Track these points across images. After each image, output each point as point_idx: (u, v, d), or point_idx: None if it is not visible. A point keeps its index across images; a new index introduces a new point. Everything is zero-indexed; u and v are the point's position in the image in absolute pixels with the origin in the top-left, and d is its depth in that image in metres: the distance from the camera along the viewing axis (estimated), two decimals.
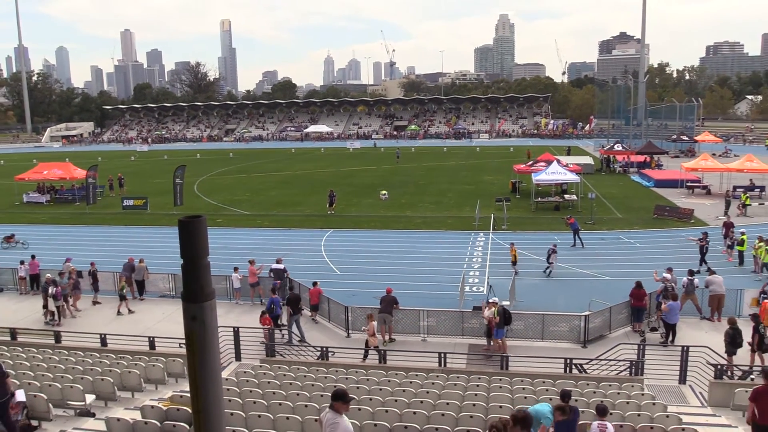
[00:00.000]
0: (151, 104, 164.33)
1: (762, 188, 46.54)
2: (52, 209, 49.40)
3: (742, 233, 28.48)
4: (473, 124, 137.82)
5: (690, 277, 21.74)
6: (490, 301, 19.73)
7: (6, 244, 35.03)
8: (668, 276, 21.61)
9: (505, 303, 21.74)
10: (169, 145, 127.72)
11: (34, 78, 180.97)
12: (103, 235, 39.00)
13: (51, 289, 22.83)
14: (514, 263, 27.30)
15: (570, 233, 32.81)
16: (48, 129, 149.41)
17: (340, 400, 8.49)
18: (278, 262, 24.82)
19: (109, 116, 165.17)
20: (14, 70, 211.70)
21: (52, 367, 15.15)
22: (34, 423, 12.82)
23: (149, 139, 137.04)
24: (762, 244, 26.57)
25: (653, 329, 20.80)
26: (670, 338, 19.72)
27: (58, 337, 19.55)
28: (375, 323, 19.53)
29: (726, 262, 28.27)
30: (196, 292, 3.02)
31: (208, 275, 3.04)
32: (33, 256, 27.29)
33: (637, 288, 20.86)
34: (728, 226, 30.43)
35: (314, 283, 22.71)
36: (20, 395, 12.24)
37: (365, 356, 18.98)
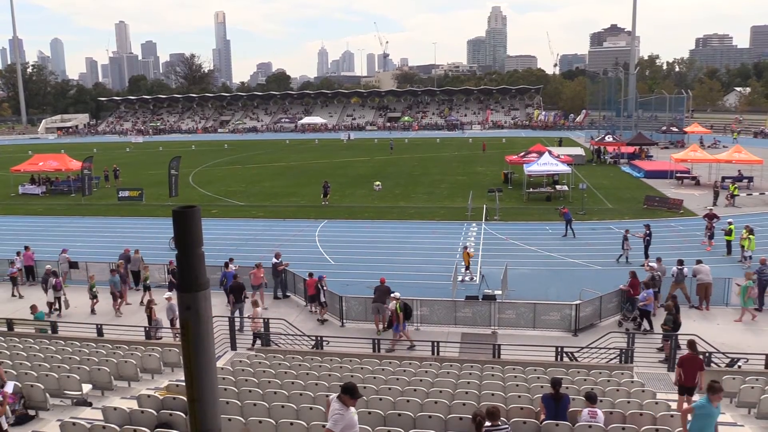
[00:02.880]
0: (146, 96, 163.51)
1: (750, 179, 46.82)
2: (47, 200, 49.34)
3: (730, 223, 28.71)
4: (466, 115, 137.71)
5: (679, 267, 21.99)
6: (393, 294, 20.02)
7: (174, 246, 32.91)
8: (655, 265, 21.87)
9: (497, 292, 21.99)
10: (164, 137, 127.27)
11: (29, 70, 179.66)
12: (99, 226, 39.02)
13: (51, 280, 22.91)
14: (467, 268, 26.07)
15: (562, 223, 33.05)
16: (43, 121, 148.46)
17: (348, 394, 8.34)
18: (276, 256, 24.86)
19: (104, 108, 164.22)
20: (9, 62, 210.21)
21: (48, 357, 15.26)
22: (32, 412, 12.95)
23: (150, 131, 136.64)
24: (745, 233, 26.84)
25: (633, 319, 20.72)
26: (646, 326, 19.90)
27: (54, 327, 19.68)
28: (260, 309, 19.80)
29: (715, 252, 28.56)
30: (190, 281, 3.11)
31: (203, 265, 3.14)
32: (27, 247, 27.27)
33: (633, 277, 21.09)
34: (710, 217, 30.67)
35: (310, 274, 22.82)
36: (9, 387, 12.35)
37: (253, 343, 19.15)
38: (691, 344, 13.79)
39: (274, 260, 24.46)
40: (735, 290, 21.99)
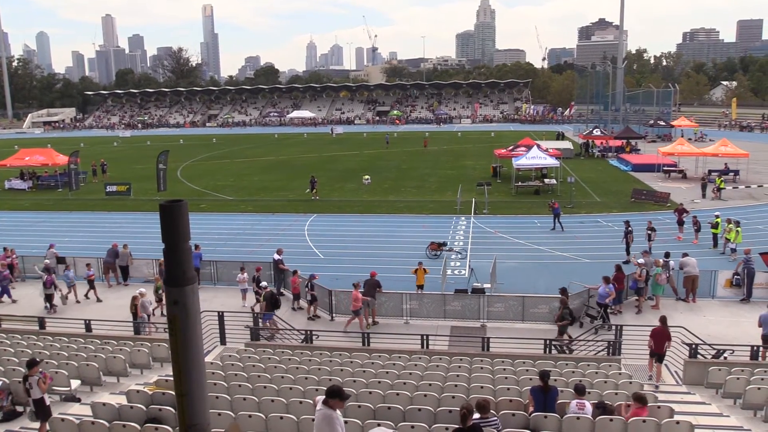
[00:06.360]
0: (134, 90, 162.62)
1: (736, 172, 47.16)
2: (34, 195, 48.97)
3: (717, 216, 28.92)
4: (454, 109, 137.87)
5: (666, 259, 22.13)
6: (261, 284, 20.73)
7: (433, 253, 28.41)
8: (642, 261, 21.98)
9: (486, 285, 22.05)
10: (152, 131, 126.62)
11: (15, 63, 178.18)
12: (87, 221, 38.77)
13: (43, 276, 22.73)
14: (420, 287, 22.52)
15: (550, 217, 33.21)
16: (29, 115, 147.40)
17: (336, 397, 7.99)
18: (279, 253, 24.69)
19: (90, 102, 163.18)
20: None
21: (36, 353, 15.15)
22: (19, 409, 12.89)
23: (140, 125, 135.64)
24: (732, 226, 27.05)
25: (601, 317, 20.27)
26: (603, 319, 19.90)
27: (42, 323, 19.55)
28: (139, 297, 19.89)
29: (702, 245, 28.77)
30: (177, 276, 3.10)
31: (190, 259, 3.13)
32: (5, 248, 26.84)
33: (618, 271, 21.22)
34: (680, 212, 30.86)
35: (294, 272, 22.73)
36: None
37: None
38: (662, 319, 16.15)
39: (276, 257, 24.29)
40: (721, 283, 22.20)
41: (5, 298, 23.70)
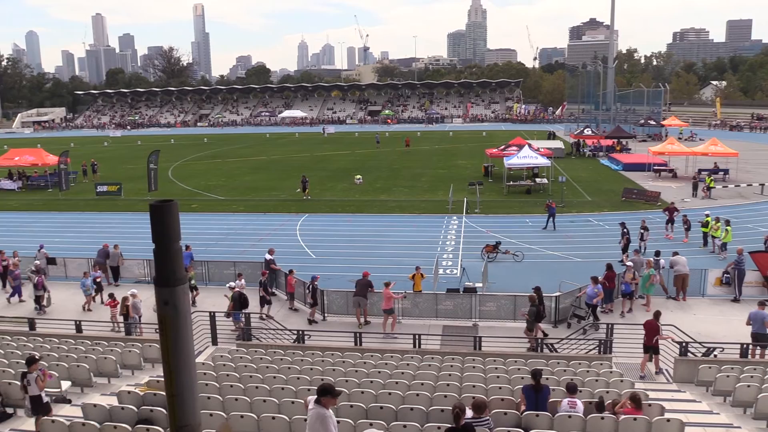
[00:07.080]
0: (124, 89, 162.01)
1: (726, 171, 47.45)
2: (23, 196, 48.70)
3: (707, 215, 29.08)
4: (446, 109, 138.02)
5: (656, 258, 22.24)
6: (228, 284, 21.05)
7: (489, 256, 27.31)
8: (630, 263, 22.04)
9: (478, 285, 22.09)
10: (143, 131, 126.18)
11: (4, 63, 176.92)
12: (77, 221, 38.58)
13: (34, 277, 22.61)
14: (418, 293, 21.72)
15: (542, 216, 33.31)
16: (19, 115, 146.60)
17: (328, 394, 7.94)
18: (270, 252, 24.58)
19: (81, 102, 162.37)
20: None
21: (26, 355, 15.07)
22: (9, 411, 12.82)
23: (128, 126, 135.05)
24: (720, 224, 27.18)
25: (589, 317, 20.26)
26: (593, 319, 19.96)
27: (32, 324, 19.44)
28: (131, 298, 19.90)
29: (692, 243, 28.91)
30: (167, 276, 3.09)
31: (180, 259, 3.13)
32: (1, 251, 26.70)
33: (608, 270, 21.30)
34: (671, 210, 31.00)
35: (290, 271, 22.67)
36: None
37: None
38: (656, 314, 16.71)
39: (268, 257, 24.20)
40: (711, 281, 22.32)
41: (15, 298, 23.68)
